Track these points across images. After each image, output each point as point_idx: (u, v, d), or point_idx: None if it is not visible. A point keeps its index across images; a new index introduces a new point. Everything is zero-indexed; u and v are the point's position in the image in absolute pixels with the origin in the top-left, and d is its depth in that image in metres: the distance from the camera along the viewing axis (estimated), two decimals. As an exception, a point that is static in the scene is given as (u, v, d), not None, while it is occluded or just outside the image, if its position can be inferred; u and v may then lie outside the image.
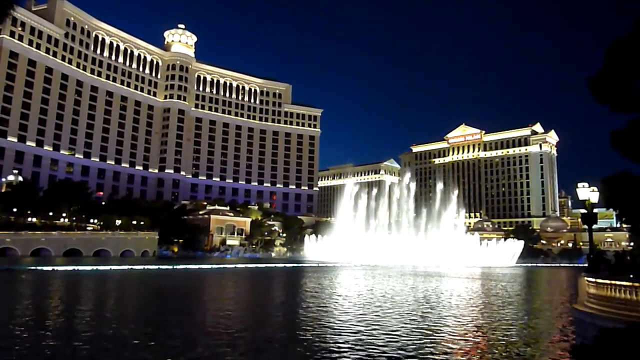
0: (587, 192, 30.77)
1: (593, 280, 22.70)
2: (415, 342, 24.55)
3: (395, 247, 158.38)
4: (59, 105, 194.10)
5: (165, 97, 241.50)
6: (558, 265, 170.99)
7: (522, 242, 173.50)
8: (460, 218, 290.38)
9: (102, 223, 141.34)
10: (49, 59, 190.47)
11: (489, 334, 28.08)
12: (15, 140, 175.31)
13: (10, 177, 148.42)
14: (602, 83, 20.39)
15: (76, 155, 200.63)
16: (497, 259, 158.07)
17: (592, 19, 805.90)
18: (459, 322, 31.91)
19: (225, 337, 24.85)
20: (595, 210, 31.58)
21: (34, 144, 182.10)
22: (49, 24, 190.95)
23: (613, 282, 20.87)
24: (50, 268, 73.24)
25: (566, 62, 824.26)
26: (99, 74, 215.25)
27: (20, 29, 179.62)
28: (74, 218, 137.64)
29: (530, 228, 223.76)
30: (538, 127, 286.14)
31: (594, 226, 32.68)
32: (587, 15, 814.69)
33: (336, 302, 41.42)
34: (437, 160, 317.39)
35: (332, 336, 25.49)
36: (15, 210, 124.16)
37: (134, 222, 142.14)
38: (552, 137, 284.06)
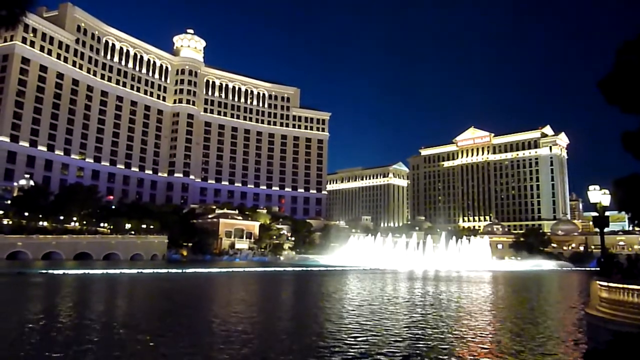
0: (599, 195, 30.46)
1: (605, 284, 22.44)
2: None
3: (403, 250, 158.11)
4: (70, 110, 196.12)
5: (175, 102, 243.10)
6: (569, 269, 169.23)
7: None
8: (470, 221, 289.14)
9: (112, 227, 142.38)
10: (59, 65, 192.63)
11: (499, 339, 27.78)
12: (27, 144, 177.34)
13: (22, 182, 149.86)
14: (612, 84, 20.19)
15: (87, 160, 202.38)
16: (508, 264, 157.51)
17: (604, 20, 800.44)
18: (473, 324, 31.64)
19: (235, 345, 24.81)
20: (607, 213, 31.22)
21: (45, 149, 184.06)
22: (60, 30, 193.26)
23: (626, 286, 20.62)
24: (61, 271, 73.75)
25: (576, 64, 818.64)
26: (109, 79, 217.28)
27: (31, 35, 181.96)
28: (84, 222, 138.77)
29: (540, 231, 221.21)
30: (548, 130, 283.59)
31: (606, 229, 32.29)
32: (599, 16, 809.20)
33: (361, 310, 41.22)
34: (446, 164, 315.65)
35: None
36: (26, 214, 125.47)
37: (144, 226, 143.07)
38: (563, 139, 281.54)
